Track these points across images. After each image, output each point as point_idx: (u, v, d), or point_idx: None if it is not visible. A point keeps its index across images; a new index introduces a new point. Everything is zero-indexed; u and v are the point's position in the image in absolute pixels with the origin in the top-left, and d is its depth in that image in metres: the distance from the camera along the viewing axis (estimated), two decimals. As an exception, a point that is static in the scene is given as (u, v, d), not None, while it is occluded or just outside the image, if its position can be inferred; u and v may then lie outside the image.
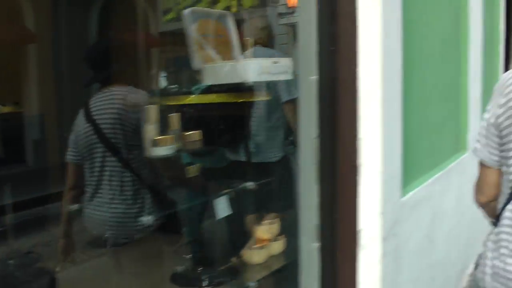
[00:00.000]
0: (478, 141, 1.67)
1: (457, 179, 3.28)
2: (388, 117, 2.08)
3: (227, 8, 3.33)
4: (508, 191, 1.54)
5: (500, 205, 1.60)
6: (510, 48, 7.57)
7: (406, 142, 2.31)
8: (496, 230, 1.60)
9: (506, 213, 1.54)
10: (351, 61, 2.03)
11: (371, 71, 2.01)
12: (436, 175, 2.86)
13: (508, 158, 1.53)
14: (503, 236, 1.55)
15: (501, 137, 1.55)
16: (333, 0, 2.05)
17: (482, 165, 1.67)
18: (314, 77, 2.06)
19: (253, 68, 2.00)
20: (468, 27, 3.44)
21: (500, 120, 1.53)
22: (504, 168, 1.57)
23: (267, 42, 3.45)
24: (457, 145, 3.46)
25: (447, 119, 3.24)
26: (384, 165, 2.06)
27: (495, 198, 1.67)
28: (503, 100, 1.53)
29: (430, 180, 2.73)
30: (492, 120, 1.57)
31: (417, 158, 2.61)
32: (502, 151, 1.56)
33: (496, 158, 1.60)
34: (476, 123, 3.68)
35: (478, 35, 3.73)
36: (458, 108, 3.47)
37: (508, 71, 1.61)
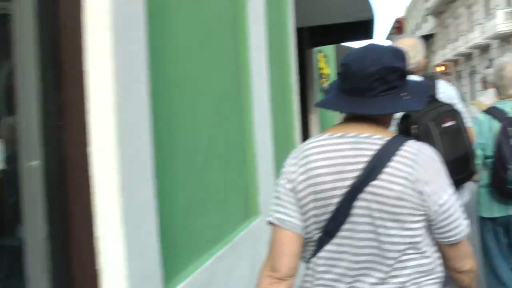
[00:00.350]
0: (277, 209, 1.65)
1: (250, 247, 3.03)
2: (134, 205, 1.70)
3: None
4: (312, 248, 1.62)
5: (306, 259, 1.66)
6: (308, 101, 7.83)
7: (167, 228, 1.96)
8: (304, 276, 1.69)
9: (311, 265, 1.64)
10: (80, 139, 1.62)
11: (106, 151, 1.62)
12: (220, 252, 2.56)
13: (308, 225, 1.60)
14: (307, 285, 1.67)
15: (299, 200, 1.59)
16: (56, 60, 1.64)
17: (283, 233, 1.64)
18: (36, 162, 1.61)
19: None
20: (251, 83, 3.26)
21: (295, 192, 1.59)
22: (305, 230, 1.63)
23: None
24: (247, 211, 3.22)
25: (231, 185, 2.98)
26: (132, 267, 1.67)
27: (293, 274, 1.64)
28: (302, 169, 1.59)
29: (210, 260, 2.41)
30: (290, 194, 1.61)
31: (188, 242, 2.28)
32: (302, 214, 1.61)
33: (299, 223, 1.61)
34: (268, 185, 3.50)
35: (263, 90, 3.58)
36: (245, 170, 3.24)
37: (306, 142, 1.67)
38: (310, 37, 7.50)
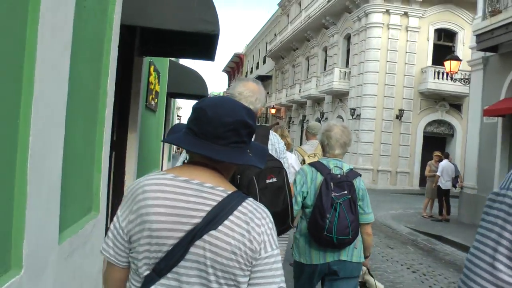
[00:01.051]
0: (106, 240, 1.74)
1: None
2: None
3: None
4: (139, 283, 1.67)
5: None
6: (130, 116, 6.92)
7: None
8: None
9: None
10: None
11: None
12: None
13: (138, 260, 1.66)
14: None
15: (132, 235, 1.67)
16: None
17: (109, 263, 1.77)
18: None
19: None
20: (34, 78, 2.31)
21: (131, 226, 1.66)
22: (134, 266, 1.70)
23: None
24: (3, 264, 2.23)
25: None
26: None
27: None
28: (135, 207, 1.65)
29: None
30: (123, 224, 1.69)
31: None
32: (131, 253, 1.70)
33: (122, 259, 1.73)
34: (44, 225, 2.57)
35: (58, 92, 2.62)
36: (8, 205, 2.24)
37: (147, 177, 1.71)
38: (142, 42, 6.56)
